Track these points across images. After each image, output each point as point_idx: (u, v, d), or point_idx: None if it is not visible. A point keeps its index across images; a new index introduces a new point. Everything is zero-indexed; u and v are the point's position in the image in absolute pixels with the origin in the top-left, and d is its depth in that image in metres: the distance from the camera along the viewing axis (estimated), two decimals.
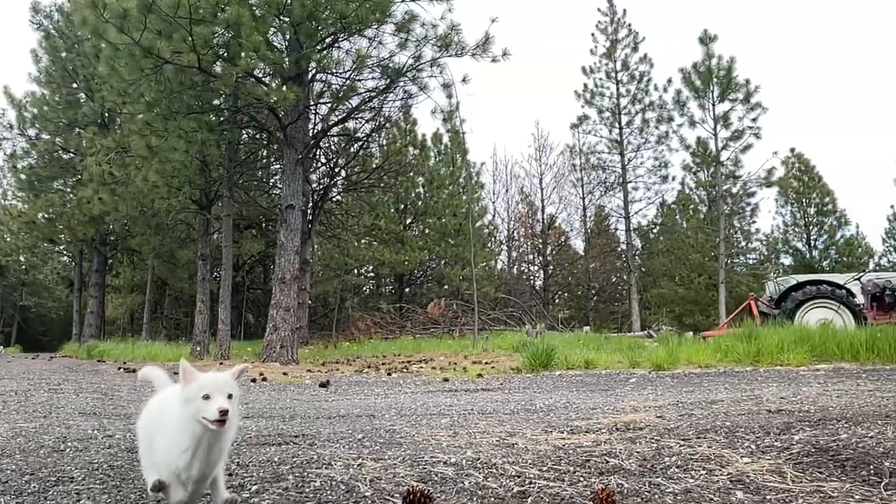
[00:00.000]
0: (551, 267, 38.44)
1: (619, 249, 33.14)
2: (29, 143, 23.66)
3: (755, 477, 2.31)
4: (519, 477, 2.34)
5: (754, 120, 24.44)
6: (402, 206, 31.11)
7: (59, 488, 2.16)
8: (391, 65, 12.22)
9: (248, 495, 2.13)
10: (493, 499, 2.06)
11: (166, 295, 29.39)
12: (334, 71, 11.97)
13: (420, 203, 30.90)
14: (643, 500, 2.03)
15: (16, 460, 2.64)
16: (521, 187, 37.25)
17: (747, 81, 24.44)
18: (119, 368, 10.67)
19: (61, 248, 29.60)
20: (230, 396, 1.68)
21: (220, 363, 12.73)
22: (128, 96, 12.43)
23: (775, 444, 2.80)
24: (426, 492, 1.96)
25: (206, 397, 1.64)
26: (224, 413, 1.62)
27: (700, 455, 2.66)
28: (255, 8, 10.71)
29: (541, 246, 36.19)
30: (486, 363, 10.84)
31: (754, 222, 40.61)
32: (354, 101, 13.66)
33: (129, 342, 18.65)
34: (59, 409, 4.69)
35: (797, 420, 3.35)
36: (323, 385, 7.53)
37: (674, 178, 27.74)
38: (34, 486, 2.20)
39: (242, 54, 10.44)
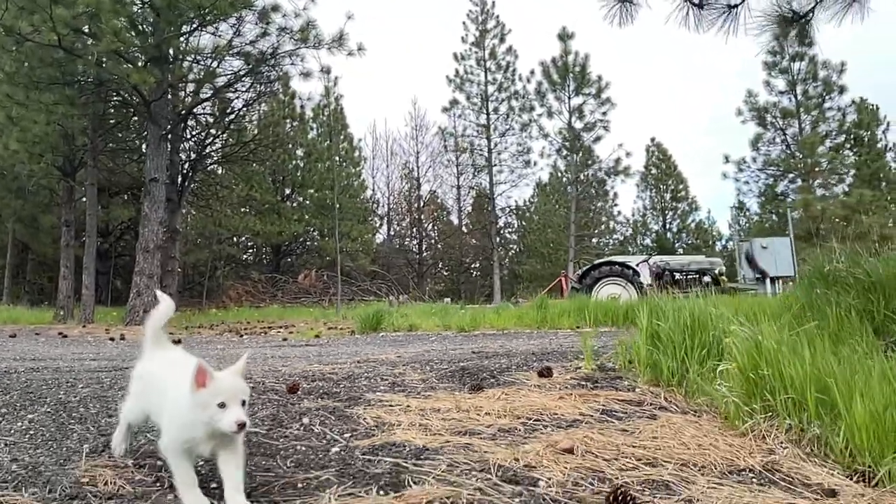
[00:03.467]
0: (433, 241, 40.37)
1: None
2: None
3: (408, 382, 3.86)
4: (259, 384, 3.77)
5: (604, 114, 27.17)
6: (280, 178, 31.68)
7: None
8: (252, 51, 13.16)
9: (83, 387, 3.43)
10: None
11: (29, 259, 28.53)
12: (195, 57, 12.74)
13: (298, 175, 31.57)
14: (324, 389, 3.52)
15: None
16: (403, 163, 38.60)
17: (599, 78, 27.04)
18: None
19: None
20: (244, 403, 1.68)
21: (84, 325, 13.37)
22: None
23: (443, 367, 4.39)
24: None
25: (222, 405, 1.63)
26: (242, 426, 1.63)
27: (391, 373, 4.20)
28: None
29: (417, 221, 37.83)
30: (340, 328, 12.24)
31: (616, 205, 44.23)
32: (220, 82, 14.43)
33: None
34: None
35: (479, 356, 5.01)
36: (175, 342, 8.66)
37: (535, 164, 30.00)
38: None
39: (105, 36, 11.06)
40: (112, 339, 9.30)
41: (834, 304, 4.03)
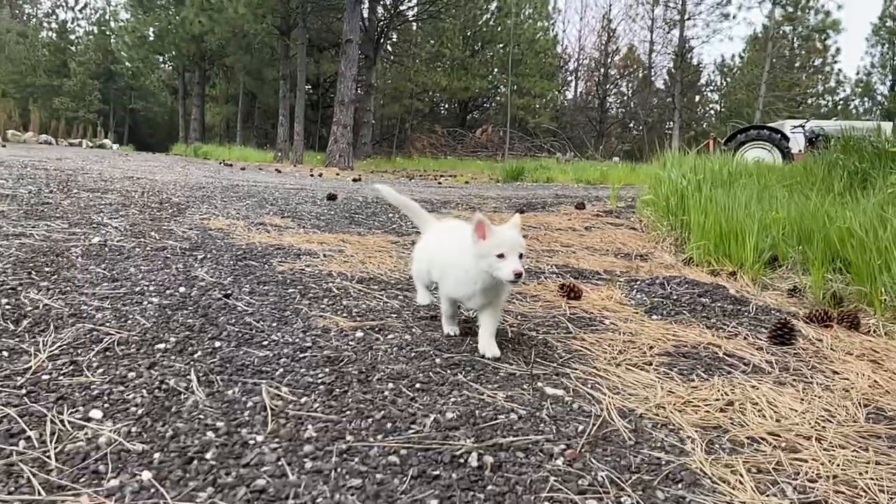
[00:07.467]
0: (624, 98, 39.66)
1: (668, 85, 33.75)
2: None
3: (482, 207, 5.54)
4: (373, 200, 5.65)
5: None
6: (470, 34, 32.67)
7: (202, 191, 5.64)
8: None
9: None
10: (350, 200, 5.40)
11: (256, 107, 33.29)
12: None
13: (487, 31, 32.33)
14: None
15: (180, 186, 6.14)
16: (602, 15, 37.46)
17: None
18: (220, 163, 14.57)
19: (166, 57, 33.40)
20: (521, 256, 1.73)
21: (294, 165, 16.49)
22: None
23: (517, 201, 5.99)
24: (334, 194, 5.33)
25: (501, 256, 1.70)
26: (518, 276, 1.70)
27: (477, 203, 5.89)
28: None
29: (602, 79, 37.33)
30: (495, 178, 14.03)
31: (837, 62, 39.34)
32: None
33: (226, 146, 22.80)
34: (189, 174, 8.33)
35: (555, 197, 6.49)
36: (355, 180, 10.99)
37: (734, 17, 28.03)
38: (197, 194, 5.68)
39: None
40: (312, 175, 11.92)
41: (823, 166, 4.95)
